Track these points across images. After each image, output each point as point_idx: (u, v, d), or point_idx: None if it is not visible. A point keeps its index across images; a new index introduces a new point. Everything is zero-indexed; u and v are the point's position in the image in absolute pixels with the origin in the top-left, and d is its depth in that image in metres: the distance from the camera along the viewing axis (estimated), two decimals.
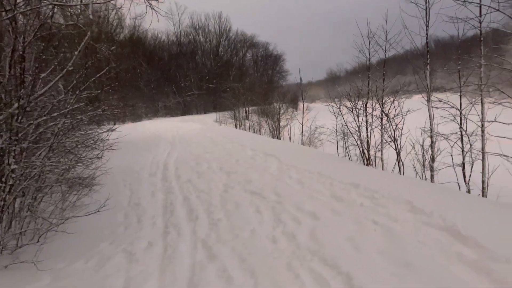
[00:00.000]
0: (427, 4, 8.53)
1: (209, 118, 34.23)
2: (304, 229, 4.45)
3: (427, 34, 8.66)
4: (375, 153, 10.65)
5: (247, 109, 27.17)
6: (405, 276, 3.20)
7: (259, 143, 12.98)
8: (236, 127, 25.56)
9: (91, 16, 4.31)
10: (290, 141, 18.08)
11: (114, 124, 15.38)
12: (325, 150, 14.09)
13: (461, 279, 3.07)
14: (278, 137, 19.62)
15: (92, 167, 6.38)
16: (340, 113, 12.06)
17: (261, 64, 62.48)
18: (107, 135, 6.96)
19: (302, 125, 17.52)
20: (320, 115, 16.49)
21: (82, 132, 6.54)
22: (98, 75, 4.80)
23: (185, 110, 49.48)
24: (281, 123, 20.40)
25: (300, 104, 25.55)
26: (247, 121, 25.20)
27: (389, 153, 10.25)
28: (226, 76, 49.95)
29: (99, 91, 5.73)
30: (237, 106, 27.12)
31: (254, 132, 22.10)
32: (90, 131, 7.25)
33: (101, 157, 6.37)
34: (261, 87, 38.35)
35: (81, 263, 4.05)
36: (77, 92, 4.81)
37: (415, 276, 3.18)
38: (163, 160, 10.68)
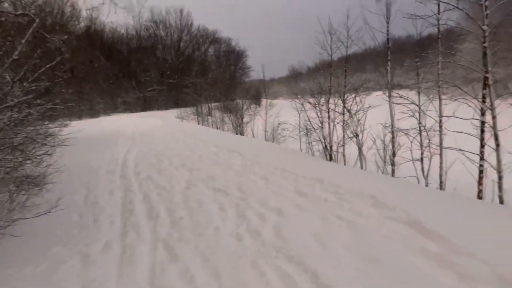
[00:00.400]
0: (388, 1, 8.69)
1: (171, 114, 33.56)
2: (269, 226, 4.35)
3: (388, 30, 8.82)
4: (337, 149, 10.77)
5: (209, 105, 26.84)
6: (371, 271, 3.17)
7: (222, 139, 12.81)
8: (198, 123, 25.19)
9: (39, 2, 3.97)
10: (254, 137, 18.02)
11: (70, 120, 14.69)
12: (288, 146, 14.13)
13: (426, 274, 3.08)
14: (241, 133, 19.51)
15: (43, 164, 5.97)
16: (303, 109, 12.11)
17: (224, 60, 62.02)
18: (58, 130, 6.54)
19: (266, 121, 17.49)
20: (283, 111, 16.53)
21: (32, 128, 6.10)
22: (48, 65, 4.46)
23: (145, 105, 48.30)
24: (244, 119, 20.29)
25: (263, 101, 25.56)
26: (209, 117, 24.90)
27: (351, 149, 10.40)
28: (188, 71, 49.16)
29: (49, 83, 5.34)
30: (199, 102, 26.72)
31: (217, 128, 21.86)
32: (41, 127, 6.80)
33: (51, 154, 5.97)
34: (223, 83, 38.09)
35: (31, 268, 3.75)
36: (25, 84, 4.45)
37: (381, 271, 3.16)
38: (122, 156, 10.27)
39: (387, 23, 8.82)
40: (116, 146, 12.74)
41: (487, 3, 7.06)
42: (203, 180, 6.84)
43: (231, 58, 62.39)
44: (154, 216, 5.03)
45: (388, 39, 8.96)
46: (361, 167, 9.40)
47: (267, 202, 5.21)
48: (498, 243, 3.51)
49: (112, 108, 43.98)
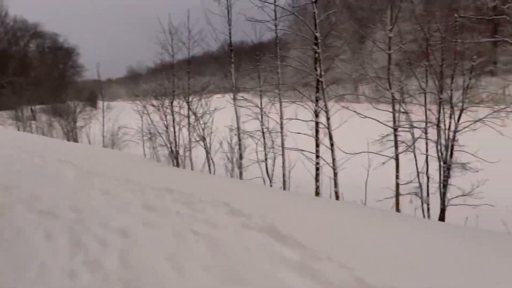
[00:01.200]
0: (228, 3, 8.68)
1: None
2: (112, 253, 3.64)
3: (230, 32, 8.83)
4: (184, 153, 10.40)
5: (33, 107, 23.25)
6: None
7: (50, 148, 11.01)
8: (19, 129, 21.48)
9: None
10: (90, 143, 16.24)
11: None
12: (131, 151, 13.12)
13: (289, 286, 2.92)
14: (75, 140, 17.38)
15: None
16: (145, 111, 11.36)
17: (50, 57, 55.05)
18: None
19: (103, 126, 15.95)
20: (124, 114, 15.36)
21: None
22: None
23: None
24: (78, 124, 18.20)
25: (100, 103, 23.44)
26: (33, 122, 21.51)
27: (198, 152, 10.17)
28: (3, 68, 41.77)
29: None
30: (19, 104, 22.84)
31: (44, 135, 19.00)
32: None
33: None
34: (50, 82, 33.70)
35: None
36: None
37: None
38: None
39: (229, 25, 8.83)
40: None
41: (316, 11, 7.62)
42: (23, 201, 5.53)
43: (59, 56, 55.79)
44: None
45: (230, 41, 8.98)
46: (210, 172, 9.23)
47: (110, 222, 4.44)
48: (350, 244, 3.63)
49: None
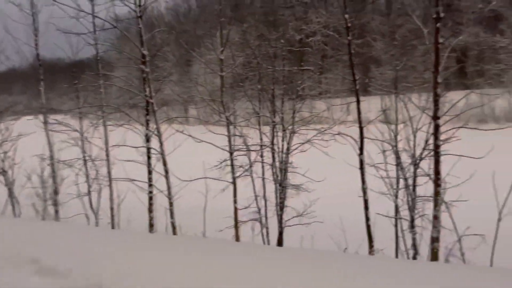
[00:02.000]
0: (34, 9, 7.29)
1: None
2: None
3: (37, 44, 7.41)
4: None
5: None
6: None
7: None
8: None
9: None
10: None
11: None
12: None
13: None
14: None
15: None
16: None
17: None
18: None
19: None
20: None
21: None
22: None
23: None
24: None
25: None
26: None
27: None
28: None
29: None
30: None
31: None
32: None
33: None
34: None
35: None
36: None
37: None
38: None
39: (36, 35, 7.41)
40: None
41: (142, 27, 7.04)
42: None
43: None
44: None
45: (38, 54, 7.54)
46: (14, 214, 7.49)
47: None
48: None
49: None
